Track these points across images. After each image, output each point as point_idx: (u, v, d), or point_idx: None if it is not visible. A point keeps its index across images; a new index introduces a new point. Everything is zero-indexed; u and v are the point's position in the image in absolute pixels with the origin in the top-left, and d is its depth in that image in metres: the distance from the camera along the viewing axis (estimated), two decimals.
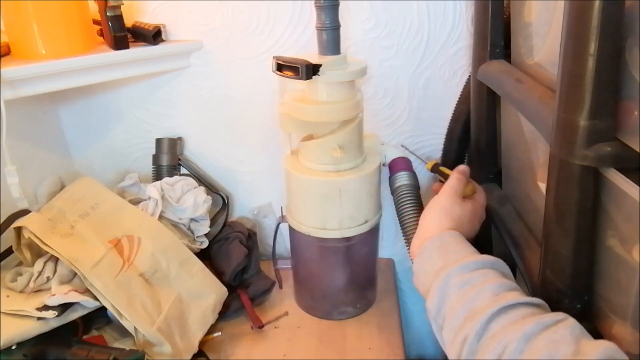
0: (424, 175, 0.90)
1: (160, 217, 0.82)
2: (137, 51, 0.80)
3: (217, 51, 0.86)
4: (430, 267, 0.58)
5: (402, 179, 0.79)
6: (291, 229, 0.81)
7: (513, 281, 0.53)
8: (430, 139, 0.91)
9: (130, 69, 0.81)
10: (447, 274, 0.54)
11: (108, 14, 0.75)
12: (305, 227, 0.77)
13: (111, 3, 0.75)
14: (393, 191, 0.80)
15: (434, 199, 0.66)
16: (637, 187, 0.41)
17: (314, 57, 0.69)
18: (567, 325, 0.43)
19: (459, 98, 0.85)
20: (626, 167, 0.43)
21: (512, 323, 0.45)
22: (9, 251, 0.75)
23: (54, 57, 0.73)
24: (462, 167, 0.69)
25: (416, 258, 0.61)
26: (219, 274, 0.84)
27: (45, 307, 0.66)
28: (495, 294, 0.49)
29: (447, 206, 0.64)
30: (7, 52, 0.76)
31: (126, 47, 0.78)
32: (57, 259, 0.71)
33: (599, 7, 0.39)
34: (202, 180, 0.93)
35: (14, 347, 0.64)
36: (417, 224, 0.75)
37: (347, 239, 0.77)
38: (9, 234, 0.73)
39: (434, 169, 0.77)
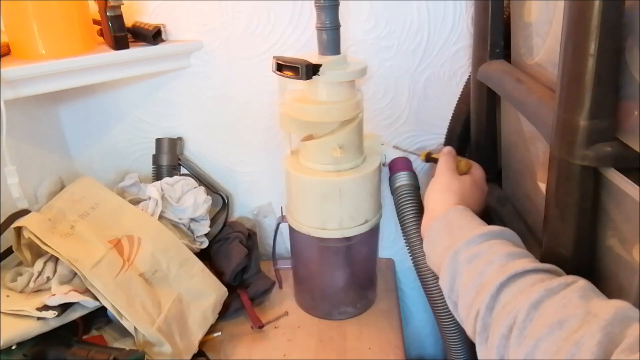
0: (424, 175, 0.90)
1: (160, 217, 0.81)
2: (137, 51, 0.80)
3: (217, 51, 0.86)
4: (438, 247, 0.58)
5: (402, 179, 0.79)
6: (291, 229, 0.81)
7: (523, 248, 0.52)
8: (430, 139, 0.91)
9: (130, 69, 0.81)
10: (454, 251, 0.54)
11: (108, 14, 0.75)
12: (305, 227, 0.77)
13: (111, 3, 0.75)
14: (393, 191, 0.80)
15: (432, 181, 0.68)
16: (637, 187, 0.41)
17: (314, 57, 0.69)
18: (576, 288, 0.41)
19: (459, 98, 0.85)
20: (626, 167, 0.43)
21: (521, 292, 0.44)
22: (9, 251, 0.75)
23: (54, 57, 0.73)
24: (447, 148, 0.72)
25: (425, 239, 0.62)
26: (219, 274, 0.84)
27: (45, 307, 0.66)
28: (503, 264, 0.48)
29: (445, 181, 0.66)
30: (7, 52, 0.76)
31: (126, 47, 0.78)
32: (57, 259, 0.71)
33: (599, 7, 0.39)
34: (202, 180, 0.93)
35: (14, 347, 0.64)
36: (417, 224, 0.75)
37: (347, 239, 0.77)
38: (9, 234, 0.73)
39: (428, 158, 0.78)
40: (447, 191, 0.64)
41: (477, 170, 0.72)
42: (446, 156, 0.70)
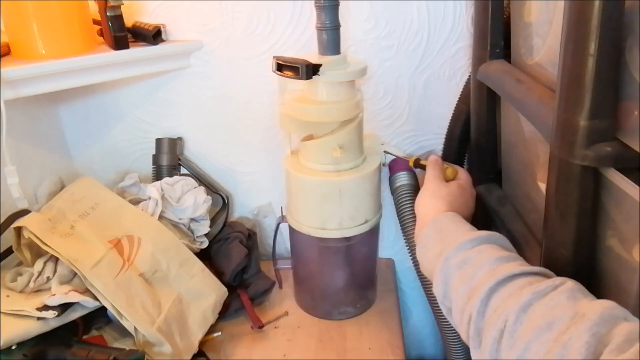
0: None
1: (160, 217, 0.82)
2: (137, 51, 0.80)
3: (217, 51, 0.86)
4: (430, 253, 0.59)
5: (402, 179, 0.80)
6: (291, 229, 0.81)
7: (513, 252, 0.53)
8: (430, 139, 0.91)
9: (130, 69, 0.81)
10: (445, 257, 0.54)
11: (108, 14, 0.75)
12: (305, 227, 0.77)
13: (111, 3, 0.75)
14: (393, 191, 0.81)
15: (421, 189, 0.69)
16: (637, 187, 0.41)
17: (314, 57, 0.69)
18: (564, 290, 0.42)
19: (459, 98, 0.85)
20: (626, 167, 0.43)
21: (510, 296, 0.45)
22: (9, 251, 0.75)
23: (54, 57, 0.73)
24: (433, 157, 0.74)
25: (417, 246, 0.63)
26: (219, 274, 0.84)
27: (45, 307, 0.66)
28: (493, 269, 0.49)
29: (434, 189, 0.67)
30: (7, 52, 0.76)
31: (126, 47, 0.78)
32: (57, 259, 0.71)
33: (599, 7, 0.39)
34: (202, 180, 0.93)
35: (14, 347, 0.64)
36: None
37: (347, 239, 0.77)
38: (9, 234, 0.73)
39: (416, 165, 0.78)
40: (436, 198, 0.66)
41: (464, 175, 0.73)
42: (433, 165, 0.72)
